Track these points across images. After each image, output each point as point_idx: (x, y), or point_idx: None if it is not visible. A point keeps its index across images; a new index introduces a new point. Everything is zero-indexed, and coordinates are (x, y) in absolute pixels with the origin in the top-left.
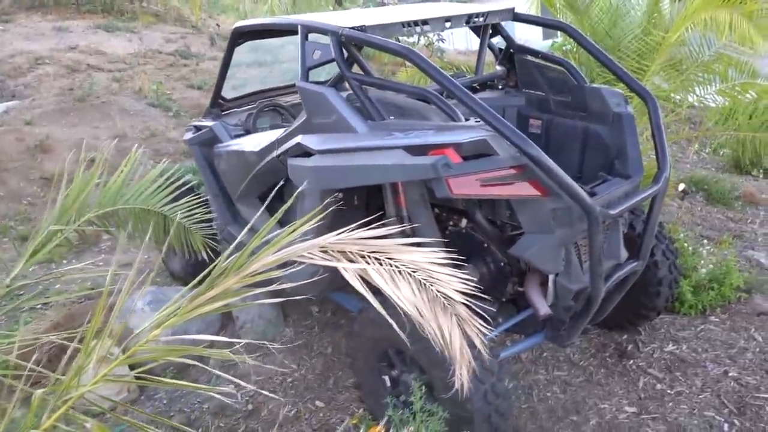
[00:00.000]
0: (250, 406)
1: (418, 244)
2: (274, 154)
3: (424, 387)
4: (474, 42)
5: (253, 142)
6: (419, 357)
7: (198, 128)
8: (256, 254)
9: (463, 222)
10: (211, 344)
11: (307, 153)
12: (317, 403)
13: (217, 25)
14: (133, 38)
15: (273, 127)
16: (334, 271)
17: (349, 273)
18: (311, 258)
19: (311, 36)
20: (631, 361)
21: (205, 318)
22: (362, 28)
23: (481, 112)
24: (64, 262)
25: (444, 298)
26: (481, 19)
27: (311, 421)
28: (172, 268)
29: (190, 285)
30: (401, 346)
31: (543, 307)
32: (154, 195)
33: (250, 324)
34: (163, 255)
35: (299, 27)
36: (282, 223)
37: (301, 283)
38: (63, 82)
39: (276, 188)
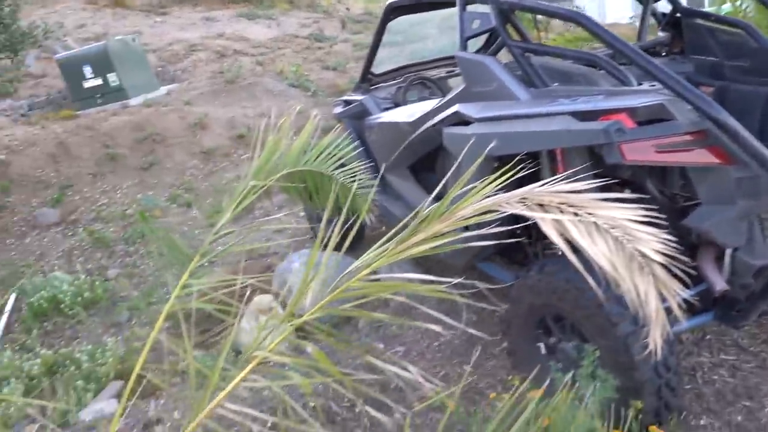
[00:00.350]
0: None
1: (618, 200)
2: (429, 123)
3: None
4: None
5: (406, 113)
6: (584, 324)
7: (347, 102)
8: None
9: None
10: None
11: (465, 121)
12: (465, 367)
13: (347, 9)
14: (271, 24)
15: (421, 99)
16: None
17: (547, 225)
18: (511, 208)
19: (470, 6)
20: None
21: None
22: None
23: (660, 74)
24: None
25: (641, 256)
26: None
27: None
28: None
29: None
30: (561, 313)
31: (719, 282)
32: (327, 159)
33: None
34: (311, 222)
35: None
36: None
37: (453, 249)
38: (213, 66)
39: (422, 159)
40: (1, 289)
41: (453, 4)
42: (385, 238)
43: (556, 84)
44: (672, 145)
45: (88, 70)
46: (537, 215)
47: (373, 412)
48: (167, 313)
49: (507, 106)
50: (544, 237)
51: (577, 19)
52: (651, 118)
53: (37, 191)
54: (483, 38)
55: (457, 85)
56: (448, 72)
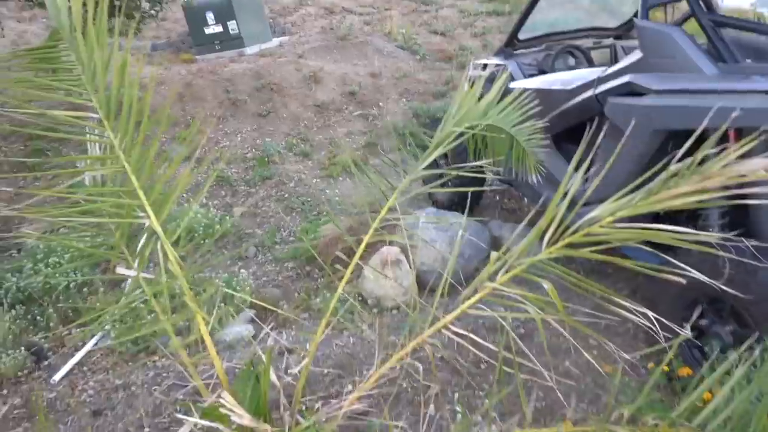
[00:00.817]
0: (522, 330)
1: None
2: (591, 92)
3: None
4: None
5: (560, 80)
6: (750, 309)
7: (486, 66)
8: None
9: None
10: None
11: (635, 92)
12: (590, 341)
13: None
14: None
15: (570, 68)
16: None
17: None
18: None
19: None
20: None
21: (475, 245)
22: None
23: None
24: (340, 179)
25: None
26: None
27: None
28: (437, 197)
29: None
30: (719, 296)
31: None
32: (508, 115)
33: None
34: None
35: None
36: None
37: None
38: (322, 22)
39: (568, 129)
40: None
41: None
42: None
43: (749, 60)
44: None
45: (210, 17)
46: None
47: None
48: (293, 254)
49: (692, 78)
50: (696, 220)
51: None
52: None
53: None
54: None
55: (610, 56)
56: (595, 43)
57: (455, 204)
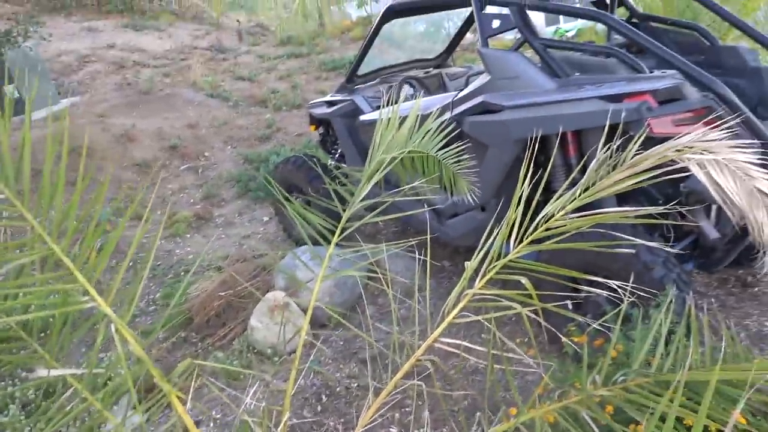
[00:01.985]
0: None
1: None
2: (448, 114)
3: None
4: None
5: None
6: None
7: (331, 103)
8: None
9: None
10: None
11: (490, 110)
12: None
13: (238, 21)
14: (162, 36)
15: (411, 97)
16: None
17: (693, 166)
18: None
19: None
20: (756, 288)
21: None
22: None
23: (675, 60)
24: (188, 236)
25: (758, 192)
26: None
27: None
28: (296, 236)
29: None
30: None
31: (713, 233)
32: (431, 141)
33: (400, 275)
34: (282, 223)
35: (474, 0)
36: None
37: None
38: (115, 78)
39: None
40: None
41: (452, 7)
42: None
43: (577, 74)
44: (683, 119)
45: None
46: (690, 158)
47: None
48: (166, 320)
49: (536, 94)
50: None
51: (601, 17)
52: (668, 98)
53: None
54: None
55: (438, 82)
56: (425, 73)
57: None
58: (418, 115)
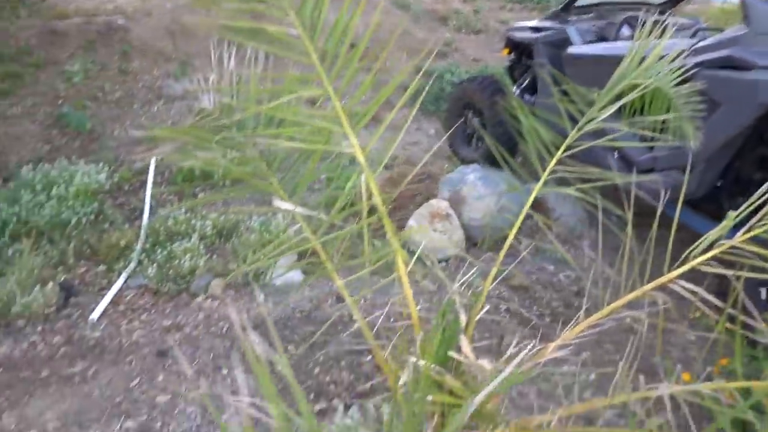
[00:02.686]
0: (574, 287)
1: None
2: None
3: None
4: None
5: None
6: None
7: (537, 29)
8: None
9: None
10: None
11: (733, 67)
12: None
13: None
14: None
15: (631, 38)
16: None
17: None
18: None
19: None
20: None
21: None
22: None
23: None
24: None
25: None
26: None
27: None
28: (463, 155)
29: None
30: None
31: None
32: (666, 76)
33: (564, 217)
34: (450, 142)
35: None
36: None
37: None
38: None
39: None
40: (138, 152)
41: None
42: None
43: None
44: None
45: None
46: None
47: None
48: (325, 201)
49: None
50: (745, 190)
51: None
52: None
53: (158, 63)
54: None
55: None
56: (659, 12)
57: (483, 158)
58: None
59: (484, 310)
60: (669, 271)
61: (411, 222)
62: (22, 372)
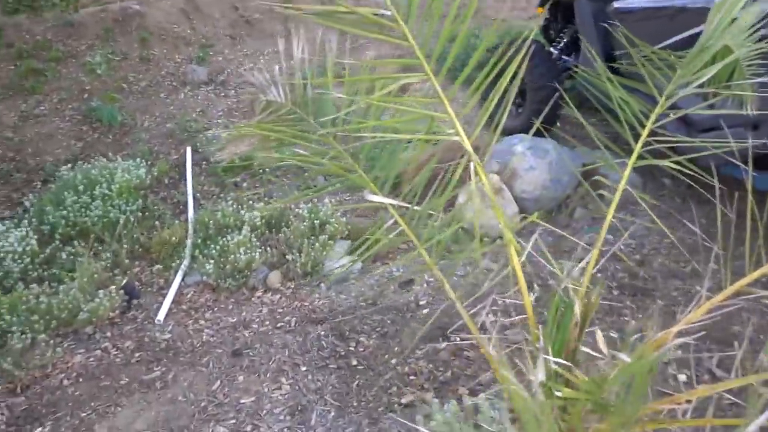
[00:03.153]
0: (637, 256)
1: None
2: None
3: None
4: None
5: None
6: None
7: None
8: None
9: None
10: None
11: None
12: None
13: None
14: None
15: None
16: None
17: None
18: None
19: None
20: None
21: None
22: None
23: None
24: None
25: None
26: None
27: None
28: (504, 124)
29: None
30: None
31: None
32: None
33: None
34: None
35: None
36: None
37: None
38: None
39: None
40: (172, 143)
41: None
42: None
43: None
44: None
45: None
46: None
47: None
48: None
49: None
50: None
51: None
52: None
53: (178, 47)
54: None
55: None
56: None
57: (525, 131)
58: None
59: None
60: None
61: (461, 199)
62: (102, 381)
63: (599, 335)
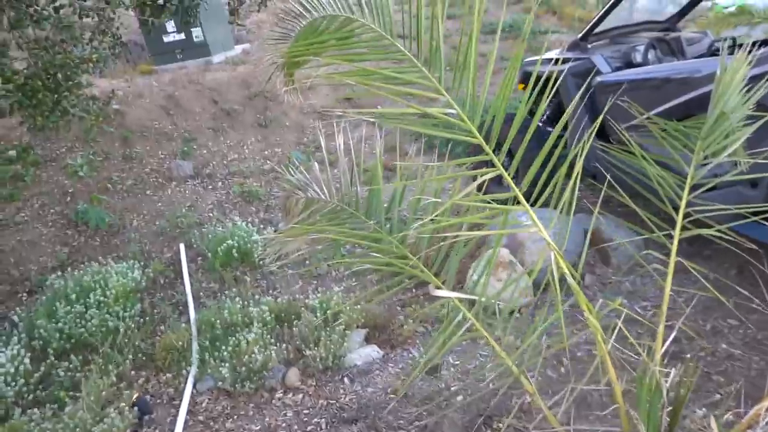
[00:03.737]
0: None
1: None
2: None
3: None
4: None
5: (684, 68)
6: None
7: (560, 60)
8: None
9: None
10: None
11: None
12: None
13: None
14: None
15: (659, 60)
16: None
17: None
18: None
19: None
20: None
21: (574, 239)
22: None
23: None
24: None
25: None
26: None
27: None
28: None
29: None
30: None
31: None
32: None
33: (622, 247)
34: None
35: None
36: None
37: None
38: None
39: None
40: (164, 241)
41: None
42: None
43: None
44: None
45: (170, 24)
46: None
47: None
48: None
49: None
50: None
51: None
52: None
53: (161, 143)
54: None
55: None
56: (664, 35)
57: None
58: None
59: None
60: None
61: (473, 275)
62: None
63: (713, 422)
